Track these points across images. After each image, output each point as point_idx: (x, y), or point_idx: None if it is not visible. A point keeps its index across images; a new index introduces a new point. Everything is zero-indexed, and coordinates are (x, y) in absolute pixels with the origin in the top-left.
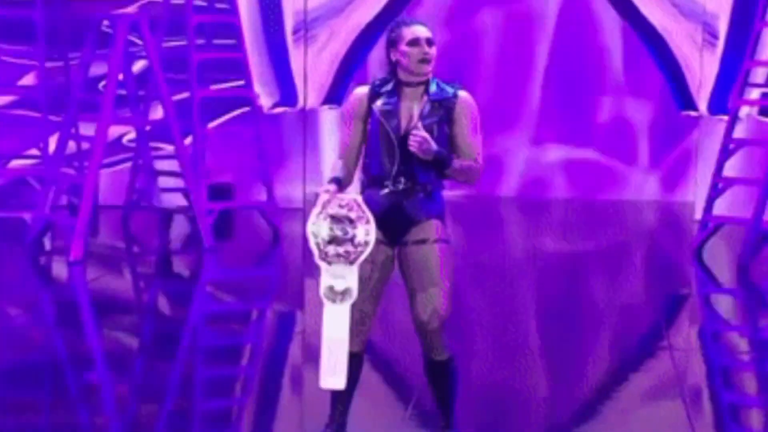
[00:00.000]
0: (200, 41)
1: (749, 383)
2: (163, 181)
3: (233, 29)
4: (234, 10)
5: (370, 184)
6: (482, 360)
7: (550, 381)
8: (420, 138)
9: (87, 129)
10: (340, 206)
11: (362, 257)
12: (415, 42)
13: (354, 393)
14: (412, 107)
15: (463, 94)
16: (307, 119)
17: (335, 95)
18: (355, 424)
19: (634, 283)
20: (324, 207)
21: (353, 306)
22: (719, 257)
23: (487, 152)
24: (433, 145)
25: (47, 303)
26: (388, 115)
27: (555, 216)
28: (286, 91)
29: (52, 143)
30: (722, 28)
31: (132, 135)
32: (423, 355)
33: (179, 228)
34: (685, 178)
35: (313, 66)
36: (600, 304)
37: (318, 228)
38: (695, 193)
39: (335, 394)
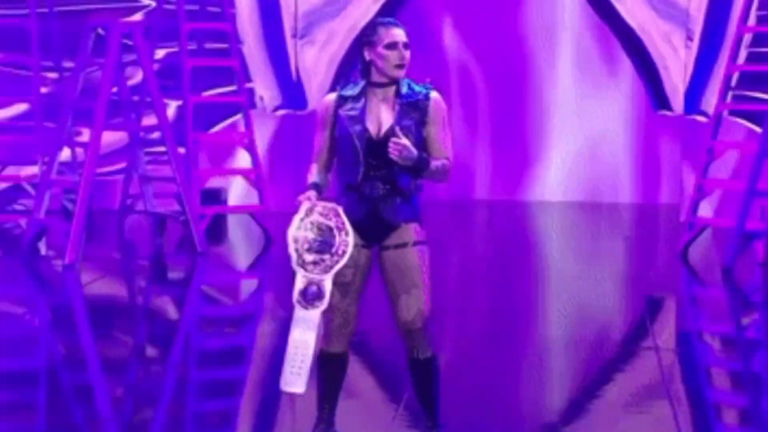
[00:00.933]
0: (192, 46)
1: (734, 383)
2: (157, 187)
3: (225, 35)
4: (226, 16)
5: (346, 190)
6: (470, 361)
7: (537, 381)
8: (401, 146)
9: (81, 136)
10: (322, 214)
11: (338, 266)
12: (393, 45)
13: (339, 393)
14: (380, 109)
15: (434, 95)
16: (301, 122)
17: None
18: (345, 424)
19: (621, 284)
20: (307, 214)
21: (337, 309)
22: (704, 258)
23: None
24: (413, 151)
25: (42, 306)
26: (352, 120)
27: (541, 217)
28: (289, 92)
29: (49, 150)
30: (697, 30)
31: (125, 142)
32: (407, 356)
33: (172, 232)
34: (668, 180)
35: (313, 67)
36: (586, 304)
37: (299, 234)
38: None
39: (321, 395)
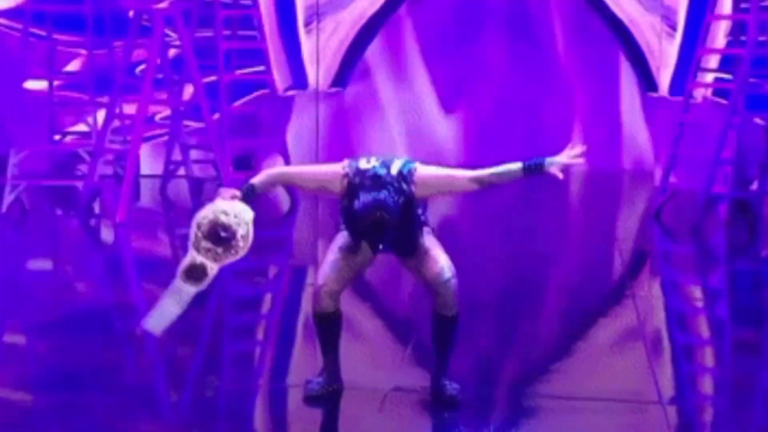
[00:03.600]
0: (227, 32)
1: (700, 326)
2: (195, 154)
3: (255, 22)
4: (256, 5)
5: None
6: (464, 309)
7: (529, 325)
8: None
9: (129, 108)
10: (233, 216)
11: (226, 262)
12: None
13: (338, 347)
14: None
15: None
16: (319, 100)
17: (341, 78)
18: (356, 366)
19: (604, 241)
20: (217, 209)
21: (329, 281)
22: (676, 218)
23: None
24: None
25: (97, 260)
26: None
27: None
28: (298, 76)
29: (100, 120)
30: (680, 20)
31: (167, 113)
32: (434, 312)
33: (209, 194)
34: (648, 150)
35: (322, 53)
36: (573, 260)
37: (203, 222)
38: (655, 162)
39: (323, 347)
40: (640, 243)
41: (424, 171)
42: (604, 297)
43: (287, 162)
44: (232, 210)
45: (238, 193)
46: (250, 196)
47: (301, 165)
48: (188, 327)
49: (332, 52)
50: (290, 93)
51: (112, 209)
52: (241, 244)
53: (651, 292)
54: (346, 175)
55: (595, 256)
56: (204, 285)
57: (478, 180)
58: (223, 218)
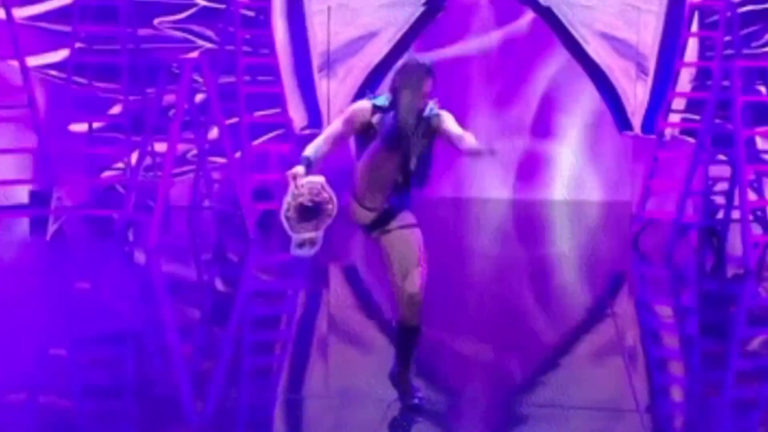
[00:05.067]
0: (247, 78)
1: (673, 342)
2: (219, 187)
3: (272, 68)
4: (273, 54)
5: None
6: (451, 327)
7: (514, 341)
8: None
9: (160, 147)
10: (308, 191)
11: (327, 223)
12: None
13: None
14: None
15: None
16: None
17: None
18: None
19: (584, 265)
20: (292, 196)
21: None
22: (650, 244)
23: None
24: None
25: (130, 282)
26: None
27: (518, 213)
28: (314, 116)
29: (134, 158)
30: (651, 66)
31: (194, 151)
32: (399, 323)
33: (231, 223)
34: (624, 183)
35: (335, 96)
36: (558, 282)
37: (290, 214)
38: (632, 194)
39: (409, 355)
40: (620, 266)
41: (445, 114)
42: (585, 314)
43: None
44: (303, 188)
45: (299, 169)
46: (310, 167)
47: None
48: (211, 343)
49: (344, 95)
50: (306, 132)
51: (145, 237)
52: (330, 206)
53: (628, 312)
54: (374, 106)
55: (578, 279)
56: (317, 245)
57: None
58: (301, 199)
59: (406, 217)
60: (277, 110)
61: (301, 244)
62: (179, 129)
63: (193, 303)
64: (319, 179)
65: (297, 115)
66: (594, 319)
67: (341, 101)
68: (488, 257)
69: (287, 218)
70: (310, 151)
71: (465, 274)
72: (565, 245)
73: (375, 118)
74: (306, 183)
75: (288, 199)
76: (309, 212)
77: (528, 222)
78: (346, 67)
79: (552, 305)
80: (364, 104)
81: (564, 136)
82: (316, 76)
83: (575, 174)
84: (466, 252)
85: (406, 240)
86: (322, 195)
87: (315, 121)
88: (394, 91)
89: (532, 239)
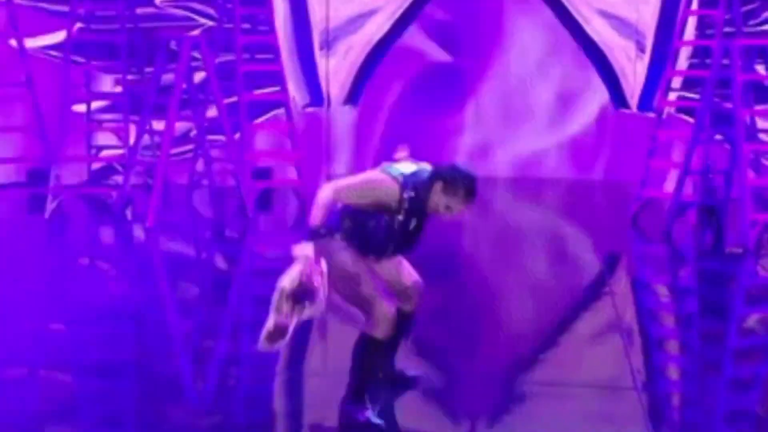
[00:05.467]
0: (246, 56)
1: (671, 321)
2: (218, 166)
3: (272, 46)
4: (272, 31)
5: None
6: (457, 302)
7: (517, 318)
8: None
9: (159, 125)
10: (312, 278)
11: (305, 316)
12: (450, 209)
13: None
14: None
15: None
16: (330, 117)
17: (353, 97)
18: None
19: (584, 243)
20: (291, 277)
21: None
22: (650, 223)
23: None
24: None
25: (130, 259)
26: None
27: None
28: (315, 95)
29: (132, 136)
30: (648, 44)
31: (194, 131)
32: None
33: (230, 202)
34: (627, 162)
35: (335, 73)
36: (557, 260)
37: (286, 288)
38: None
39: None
40: (619, 244)
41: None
42: (585, 292)
43: (300, 174)
44: (311, 275)
45: (309, 251)
46: (321, 238)
47: (337, 179)
48: (210, 321)
49: (345, 73)
50: (309, 110)
51: (143, 215)
52: (318, 300)
53: (627, 289)
54: (403, 188)
55: (579, 256)
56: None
57: None
58: (305, 281)
59: None
60: (277, 88)
61: (271, 335)
62: (178, 108)
63: (192, 281)
64: (324, 269)
65: (298, 94)
66: (593, 296)
67: (342, 79)
68: (485, 236)
69: (280, 296)
70: (317, 217)
71: (463, 253)
72: (565, 225)
73: (406, 195)
74: (316, 270)
75: (289, 279)
76: (300, 296)
77: (529, 203)
78: (346, 44)
79: (554, 283)
80: (391, 187)
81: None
82: (317, 53)
83: (581, 156)
84: (465, 231)
85: (400, 264)
86: (317, 285)
87: (316, 98)
88: (436, 178)
89: (534, 221)
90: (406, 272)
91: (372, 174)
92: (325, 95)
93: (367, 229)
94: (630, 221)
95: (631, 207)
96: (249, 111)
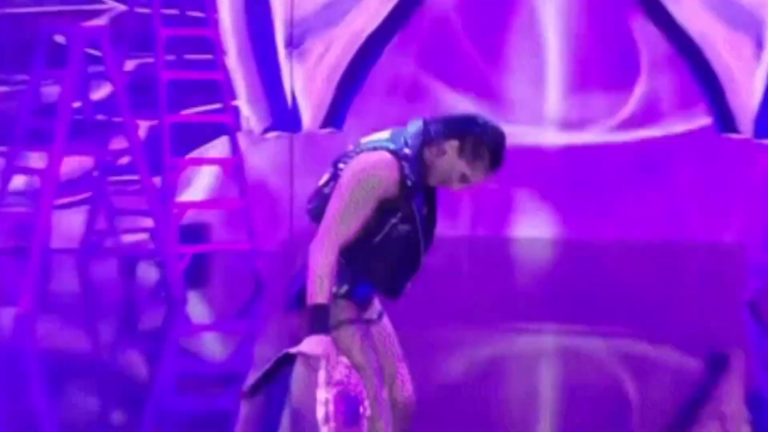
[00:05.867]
0: (170, 57)
1: None
2: (127, 221)
3: (210, 44)
4: (209, 22)
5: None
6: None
7: None
8: None
9: (38, 161)
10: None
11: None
12: (467, 179)
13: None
14: None
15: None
16: (296, 145)
17: (335, 117)
18: None
19: (676, 337)
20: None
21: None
22: None
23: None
24: None
25: None
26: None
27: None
28: (282, 113)
29: None
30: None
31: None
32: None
33: (145, 275)
34: (732, 215)
35: (307, 83)
36: (640, 361)
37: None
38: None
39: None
40: (728, 341)
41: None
42: (680, 418)
43: (252, 233)
44: (337, 370)
45: (329, 342)
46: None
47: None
48: None
49: (322, 81)
50: (270, 135)
51: (13, 295)
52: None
53: (742, 413)
54: (397, 158)
55: (668, 359)
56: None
57: None
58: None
59: (376, 301)
60: (218, 106)
61: (256, 387)
62: (66, 135)
63: (85, 396)
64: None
65: (253, 114)
66: (693, 422)
67: (319, 91)
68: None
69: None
70: (322, 295)
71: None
72: (649, 307)
73: (406, 169)
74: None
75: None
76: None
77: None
78: (322, 40)
79: (633, 401)
80: (383, 161)
81: None
82: (282, 54)
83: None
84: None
85: (389, 328)
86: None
87: (280, 119)
88: (449, 134)
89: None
90: (400, 381)
91: (346, 174)
92: (292, 114)
93: (377, 253)
94: (747, 303)
95: (749, 282)
96: (175, 139)
